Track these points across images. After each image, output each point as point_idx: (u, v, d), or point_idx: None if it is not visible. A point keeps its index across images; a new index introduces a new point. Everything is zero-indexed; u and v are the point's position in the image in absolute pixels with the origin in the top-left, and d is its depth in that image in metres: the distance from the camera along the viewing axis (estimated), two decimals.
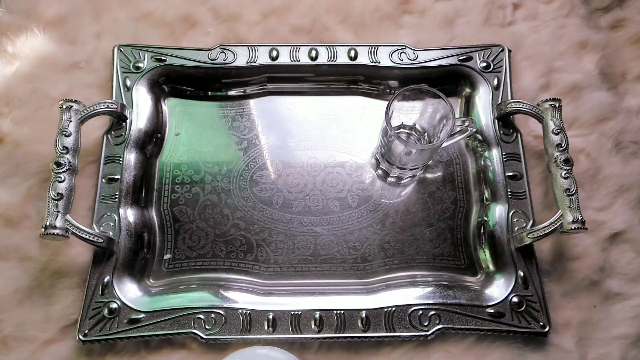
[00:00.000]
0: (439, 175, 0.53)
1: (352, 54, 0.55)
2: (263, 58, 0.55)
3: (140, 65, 0.54)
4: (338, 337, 0.45)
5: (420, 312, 0.46)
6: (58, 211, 0.43)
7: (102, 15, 0.57)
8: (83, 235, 0.44)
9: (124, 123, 0.51)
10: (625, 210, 0.52)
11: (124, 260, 0.47)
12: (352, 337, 0.45)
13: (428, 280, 0.49)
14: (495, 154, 0.52)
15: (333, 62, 0.55)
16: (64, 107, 0.47)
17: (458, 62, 0.55)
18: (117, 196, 0.49)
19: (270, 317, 0.45)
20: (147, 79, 0.54)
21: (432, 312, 0.46)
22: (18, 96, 0.53)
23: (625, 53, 0.59)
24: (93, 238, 0.45)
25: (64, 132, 0.46)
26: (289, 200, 0.51)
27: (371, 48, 0.55)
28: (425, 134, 0.52)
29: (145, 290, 0.47)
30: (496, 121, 0.53)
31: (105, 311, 0.45)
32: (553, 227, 0.46)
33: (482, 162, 0.53)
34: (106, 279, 0.46)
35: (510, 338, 0.46)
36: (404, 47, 0.55)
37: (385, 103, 0.56)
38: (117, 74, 0.53)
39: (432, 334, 0.45)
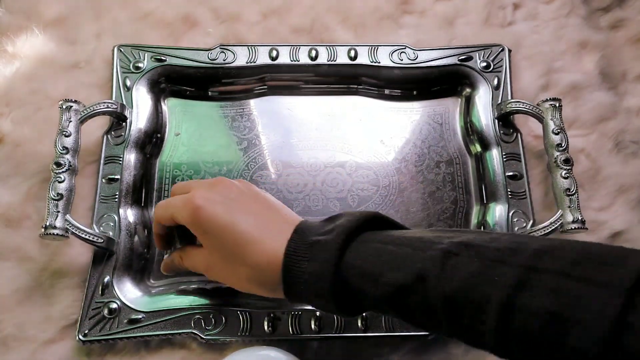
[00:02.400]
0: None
1: (352, 53, 0.55)
2: (263, 58, 0.55)
3: (140, 65, 0.54)
4: (338, 337, 0.45)
5: None
6: (58, 211, 0.43)
7: (102, 15, 0.57)
8: (83, 235, 0.44)
9: (123, 123, 0.51)
10: (626, 210, 0.52)
11: (124, 260, 0.47)
12: (352, 337, 0.45)
13: None
14: (495, 153, 0.52)
15: (333, 62, 0.55)
16: (64, 107, 0.47)
17: (458, 62, 0.55)
18: (117, 196, 0.49)
19: (270, 317, 0.45)
20: (147, 79, 0.54)
21: None
22: (18, 96, 0.53)
23: (625, 53, 0.59)
24: (93, 238, 0.45)
25: (64, 132, 0.46)
26: (289, 200, 0.51)
27: (371, 48, 0.55)
28: None
29: (145, 290, 0.47)
30: (496, 121, 0.53)
31: (105, 311, 0.45)
32: (553, 227, 0.46)
33: (482, 162, 0.53)
34: (106, 279, 0.46)
35: None
36: (404, 47, 0.55)
37: (385, 103, 0.56)
38: (117, 74, 0.53)
39: (432, 334, 0.45)
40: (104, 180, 0.49)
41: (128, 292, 0.46)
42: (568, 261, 0.29)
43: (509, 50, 0.56)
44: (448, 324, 0.32)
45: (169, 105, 0.55)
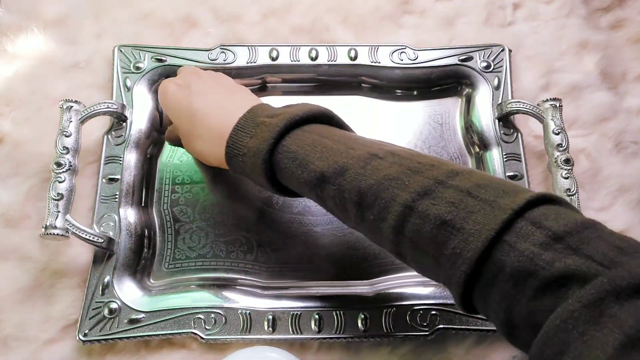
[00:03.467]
0: None
1: (352, 54, 0.55)
2: (263, 58, 0.55)
3: (140, 65, 0.54)
4: (338, 338, 0.45)
5: (420, 312, 0.46)
6: (58, 211, 0.43)
7: (102, 15, 0.57)
8: (83, 235, 0.44)
9: (124, 123, 0.51)
10: (626, 210, 0.52)
11: (124, 260, 0.47)
12: (352, 337, 0.45)
13: (428, 280, 0.49)
14: (495, 154, 0.52)
15: (333, 62, 0.55)
16: (64, 107, 0.47)
17: (458, 62, 0.55)
18: (117, 196, 0.49)
19: (270, 317, 0.45)
20: (148, 79, 0.54)
21: (432, 312, 0.46)
22: (18, 96, 0.53)
23: (625, 53, 0.59)
24: (93, 238, 0.45)
25: (64, 133, 0.46)
26: (289, 200, 0.51)
27: (371, 48, 0.55)
28: None
29: (145, 290, 0.47)
30: (496, 121, 0.53)
31: (106, 311, 0.45)
32: None
33: (483, 162, 0.53)
34: (106, 279, 0.46)
35: None
36: (404, 47, 0.55)
37: (386, 103, 0.56)
38: (118, 74, 0.53)
39: (432, 334, 0.45)
40: (104, 180, 0.49)
41: (128, 292, 0.46)
42: (474, 183, 0.32)
43: (509, 51, 0.56)
44: (355, 217, 0.36)
45: None
